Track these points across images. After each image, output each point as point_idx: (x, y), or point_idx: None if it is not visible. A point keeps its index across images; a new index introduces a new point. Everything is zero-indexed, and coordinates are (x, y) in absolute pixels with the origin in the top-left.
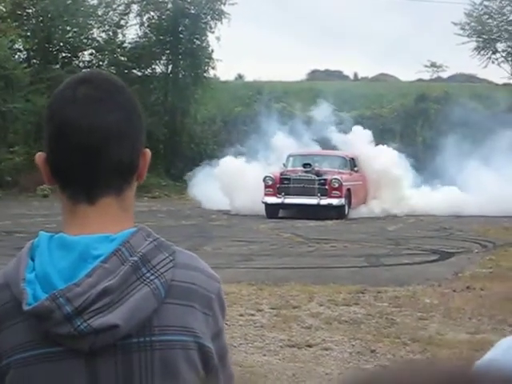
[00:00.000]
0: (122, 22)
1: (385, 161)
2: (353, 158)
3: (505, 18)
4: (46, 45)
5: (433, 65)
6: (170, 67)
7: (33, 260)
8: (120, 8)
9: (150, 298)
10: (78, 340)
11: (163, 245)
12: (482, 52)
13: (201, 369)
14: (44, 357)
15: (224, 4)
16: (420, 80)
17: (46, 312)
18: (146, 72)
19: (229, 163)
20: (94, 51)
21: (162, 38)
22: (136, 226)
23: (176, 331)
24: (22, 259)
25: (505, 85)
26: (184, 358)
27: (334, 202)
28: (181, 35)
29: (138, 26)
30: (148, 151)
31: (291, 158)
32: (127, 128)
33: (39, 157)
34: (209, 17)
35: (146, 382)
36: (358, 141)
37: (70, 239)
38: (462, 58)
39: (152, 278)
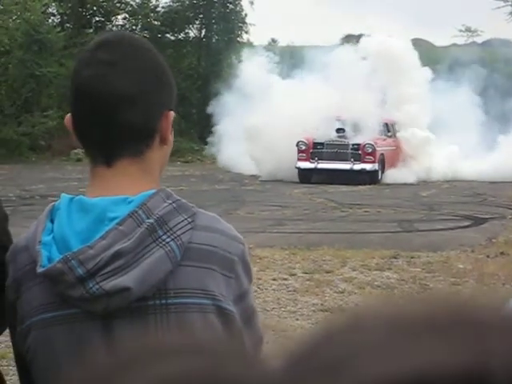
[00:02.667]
0: None
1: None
2: (387, 123)
3: None
4: (80, 9)
5: (467, 30)
6: (203, 32)
7: (53, 222)
8: None
9: (165, 261)
10: (91, 302)
11: (183, 207)
12: None
13: (222, 332)
14: (62, 318)
15: None
16: (454, 45)
17: (58, 274)
18: (180, 36)
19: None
20: (127, 15)
21: (195, 2)
22: (157, 188)
23: (192, 294)
24: (40, 221)
25: None
26: (201, 321)
27: (368, 167)
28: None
29: None
30: (171, 113)
31: (324, 122)
32: (140, 91)
33: (67, 118)
34: None
35: None
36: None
37: (88, 201)
38: (497, 23)
39: (168, 240)
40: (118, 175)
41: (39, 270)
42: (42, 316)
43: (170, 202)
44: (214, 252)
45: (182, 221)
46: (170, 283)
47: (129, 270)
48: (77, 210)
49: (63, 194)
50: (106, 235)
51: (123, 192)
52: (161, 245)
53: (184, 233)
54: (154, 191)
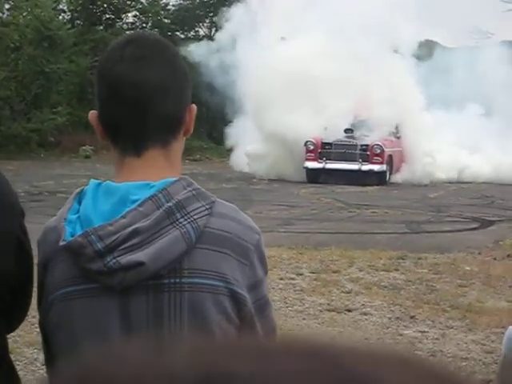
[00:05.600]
0: None
1: None
2: (395, 124)
3: None
4: (90, 6)
5: (478, 32)
6: (213, 30)
7: (80, 204)
8: None
9: (180, 241)
10: (108, 276)
11: (202, 195)
12: None
13: (234, 315)
14: (82, 292)
15: None
16: (465, 47)
17: (78, 247)
18: (189, 35)
19: None
20: (137, 13)
21: (205, 0)
22: (179, 176)
23: (206, 275)
24: (67, 203)
25: None
26: (212, 301)
27: (376, 167)
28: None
29: None
30: (194, 106)
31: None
32: (171, 83)
33: (92, 114)
34: None
35: (174, 321)
36: None
37: (113, 186)
38: (508, 26)
39: (185, 223)
40: (146, 165)
41: (61, 243)
42: (64, 290)
43: (190, 189)
44: (229, 238)
45: (200, 207)
46: (184, 263)
47: (145, 247)
48: (103, 193)
49: (91, 179)
50: (126, 215)
51: (148, 178)
52: (177, 226)
53: (201, 217)
54: (175, 178)
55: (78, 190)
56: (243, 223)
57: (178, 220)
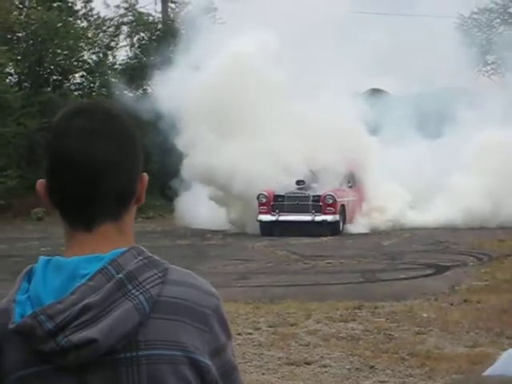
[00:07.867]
0: (113, 44)
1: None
2: (346, 173)
3: (494, 30)
4: (37, 68)
5: (424, 80)
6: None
7: (30, 283)
8: (110, 30)
9: (133, 313)
10: (61, 356)
11: (154, 263)
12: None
13: (197, 383)
14: (35, 375)
15: (214, 24)
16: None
17: (28, 329)
18: (138, 93)
19: None
20: (84, 73)
21: (152, 58)
22: (131, 245)
23: (163, 346)
24: (17, 283)
25: None
26: (172, 373)
27: (329, 218)
28: (171, 55)
29: (128, 48)
30: (145, 175)
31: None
32: (122, 156)
33: (40, 184)
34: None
35: None
36: None
37: (63, 261)
38: (452, 71)
39: (137, 293)
40: (96, 238)
41: (10, 326)
42: (19, 374)
43: (142, 258)
44: (185, 305)
45: (152, 275)
46: (140, 335)
47: (97, 322)
48: (52, 270)
49: (41, 257)
50: (76, 290)
51: (98, 251)
52: (129, 298)
53: (153, 287)
54: (125, 249)
55: (28, 268)
56: (199, 288)
57: (129, 291)
